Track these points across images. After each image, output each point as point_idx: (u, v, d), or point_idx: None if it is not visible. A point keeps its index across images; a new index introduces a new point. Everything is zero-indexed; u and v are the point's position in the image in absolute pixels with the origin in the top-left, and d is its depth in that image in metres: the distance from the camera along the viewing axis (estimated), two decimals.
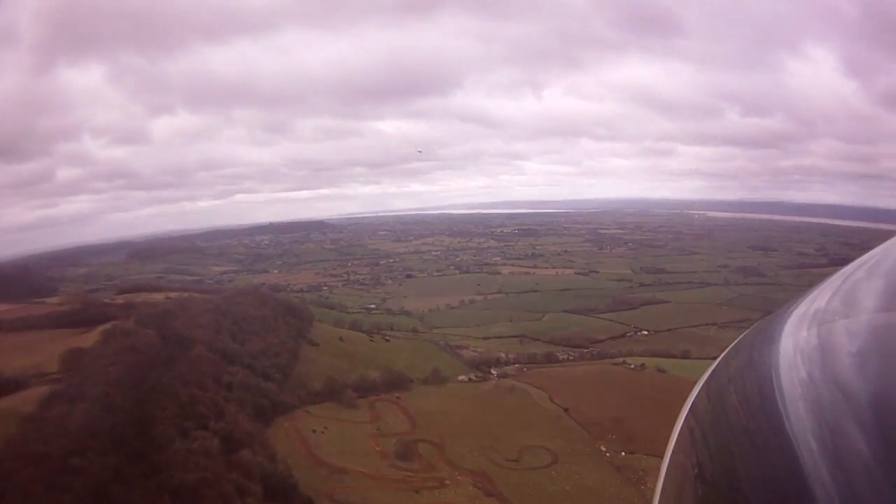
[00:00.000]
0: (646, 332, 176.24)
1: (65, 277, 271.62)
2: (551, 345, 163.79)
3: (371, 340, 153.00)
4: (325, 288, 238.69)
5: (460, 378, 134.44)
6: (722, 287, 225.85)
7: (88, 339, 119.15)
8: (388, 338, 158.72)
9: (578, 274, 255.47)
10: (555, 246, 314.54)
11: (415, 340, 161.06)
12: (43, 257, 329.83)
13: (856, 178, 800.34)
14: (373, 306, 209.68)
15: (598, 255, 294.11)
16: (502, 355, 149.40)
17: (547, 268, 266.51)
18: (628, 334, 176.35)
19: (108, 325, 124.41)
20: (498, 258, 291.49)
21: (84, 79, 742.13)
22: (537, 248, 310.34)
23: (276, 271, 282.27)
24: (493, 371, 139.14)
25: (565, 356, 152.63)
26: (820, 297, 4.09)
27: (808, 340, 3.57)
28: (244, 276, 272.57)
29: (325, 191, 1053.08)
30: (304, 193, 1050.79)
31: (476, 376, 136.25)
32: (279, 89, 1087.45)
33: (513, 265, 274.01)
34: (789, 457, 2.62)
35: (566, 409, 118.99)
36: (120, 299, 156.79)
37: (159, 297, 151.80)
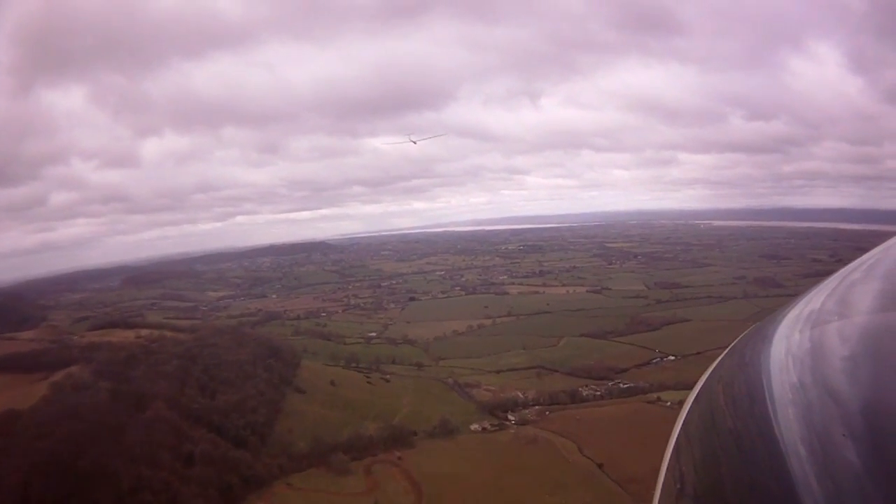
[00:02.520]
0: (672, 358, 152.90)
1: (58, 304, 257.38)
2: (571, 377, 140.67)
3: (368, 382, 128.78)
4: (324, 314, 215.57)
5: (473, 427, 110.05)
6: (742, 301, 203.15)
7: (39, 391, 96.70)
8: (388, 377, 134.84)
9: (590, 292, 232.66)
10: (562, 262, 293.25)
11: (419, 379, 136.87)
12: (42, 282, 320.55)
13: (860, 180, 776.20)
14: (373, 334, 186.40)
15: (607, 270, 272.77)
16: (520, 395, 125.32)
17: (556, 285, 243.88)
18: (654, 361, 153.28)
19: (60, 376, 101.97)
20: (504, 276, 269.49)
21: (66, 101, 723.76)
22: (545, 264, 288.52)
23: (274, 296, 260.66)
24: (510, 417, 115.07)
25: (589, 391, 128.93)
26: (815, 300, 4.11)
27: (800, 343, 3.62)
28: (241, 301, 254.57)
29: (325, 211, 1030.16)
30: (305, 214, 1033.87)
31: (491, 424, 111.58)
32: (267, 107, 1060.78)
33: (521, 284, 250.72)
34: (777, 462, 2.60)
35: (600, 465, 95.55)
36: (89, 337, 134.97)
37: (130, 335, 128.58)
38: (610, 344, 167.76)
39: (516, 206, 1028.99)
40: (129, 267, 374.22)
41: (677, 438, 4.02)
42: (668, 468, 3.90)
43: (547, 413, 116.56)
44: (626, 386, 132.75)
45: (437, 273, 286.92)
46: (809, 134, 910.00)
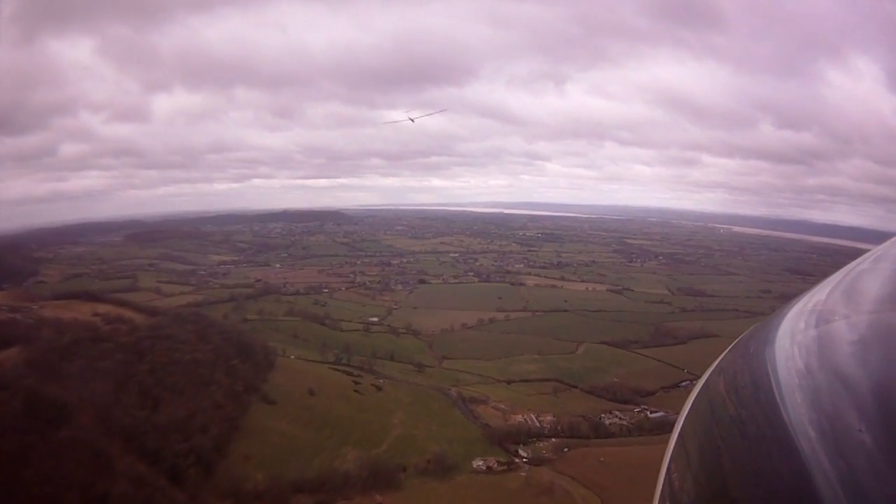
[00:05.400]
0: None
1: (57, 257, 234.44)
2: (592, 396, 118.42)
3: (356, 391, 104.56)
4: (326, 290, 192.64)
5: (476, 464, 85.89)
6: None
7: None
8: (380, 382, 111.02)
9: (611, 291, 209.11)
10: (581, 255, 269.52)
11: (417, 387, 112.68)
12: (48, 232, 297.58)
13: (882, 201, 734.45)
14: (375, 320, 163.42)
15: (628, 268, 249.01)
16: (534, 419, 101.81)
17: (575, 281, 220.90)
18: (683, 383, 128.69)
19: None
20: (521, 265, 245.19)
21: (72, 51, 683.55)
22: (563, 255, 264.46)
23: (278, 265, 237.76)
24: (522, 452, 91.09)
25: (613, 420, 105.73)
26: (818, 295, 4.20)
27: (805, 335, 3.67)
28: (243, 268, 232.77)
29: (343, 180, 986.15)
30: (322, 182, 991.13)
31: (499, 462, 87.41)
32: (281, 70, 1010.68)
33: (538, 276, 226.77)
34: (788, 446, 2.56)
35: None
36: (48, 309, 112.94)
37: (88, 311, 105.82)
38: (633, 356, 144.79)
39: (535, 192, 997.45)
40: (139, 222, 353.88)
41: (681, 430, 3.92)
42: (672, 458, 3.79)
43: (565, 450, 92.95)
44: (654, 415, 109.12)
45: (451, 255, 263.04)
46: (838, 149, 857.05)
